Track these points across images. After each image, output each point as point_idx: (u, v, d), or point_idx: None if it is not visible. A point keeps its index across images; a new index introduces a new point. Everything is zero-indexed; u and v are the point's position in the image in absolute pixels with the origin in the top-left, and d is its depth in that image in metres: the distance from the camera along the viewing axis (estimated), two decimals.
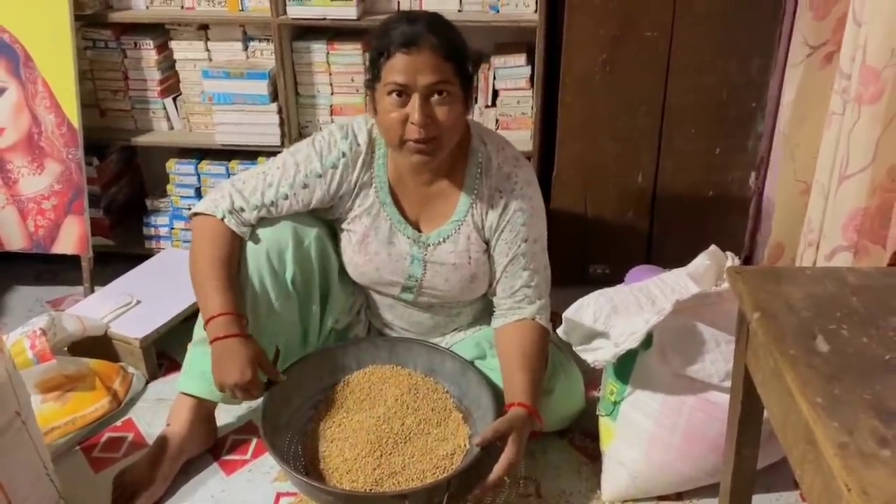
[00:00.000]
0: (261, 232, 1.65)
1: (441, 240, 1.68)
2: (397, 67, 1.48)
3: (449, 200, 1.66)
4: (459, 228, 1.67)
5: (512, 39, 2.28)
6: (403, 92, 1.49)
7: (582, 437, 1.81)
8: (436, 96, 1.50)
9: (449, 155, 1.60)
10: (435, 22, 1.52)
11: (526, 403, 1.53)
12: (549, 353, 1.70)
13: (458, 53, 1.51)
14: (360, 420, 1.64)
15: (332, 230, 1.75)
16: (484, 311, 1.85)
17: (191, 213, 1.70)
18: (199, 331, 1.67)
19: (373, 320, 1.89)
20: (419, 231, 1.69)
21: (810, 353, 1.01)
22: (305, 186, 1.64)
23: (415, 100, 1.49)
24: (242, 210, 1.63)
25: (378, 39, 1.52)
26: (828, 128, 1.64)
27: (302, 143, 1.69)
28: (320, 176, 1.64)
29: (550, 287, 1.74)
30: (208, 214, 1.63)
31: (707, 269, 1.63)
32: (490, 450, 1.49)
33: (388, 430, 1.60)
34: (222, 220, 1.62)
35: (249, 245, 1.64)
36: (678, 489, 1.65)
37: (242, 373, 1.52)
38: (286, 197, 1.64)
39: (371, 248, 1.69)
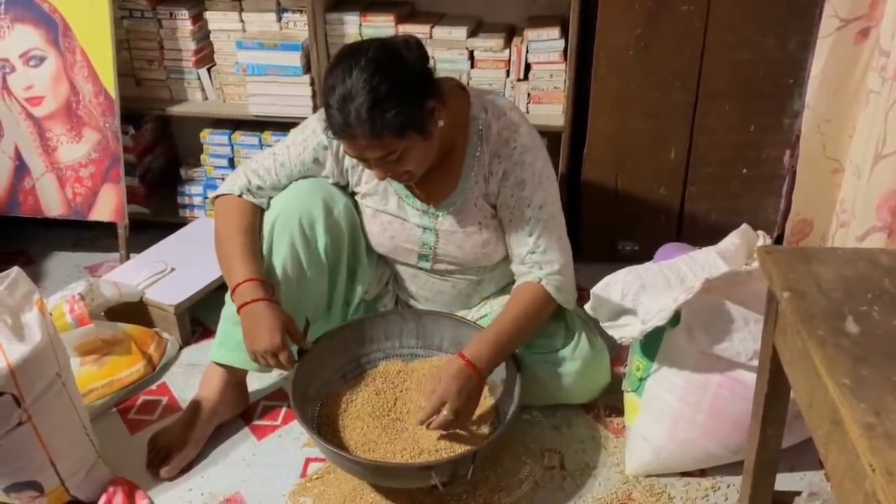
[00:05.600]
0: (291, 205, 1.67)
1: (449, 209, 1.70)
2: (344, 145, 1.53)
3: (452, 171, 1.67)
4: (465, 196, 1.68)
5: (546, 12, 2.26)
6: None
7: (607, 412, 1.82)
8: (388, 157, 1.51)
9: (447, 130, 1.59)
10: (365, 102, 1.42)
11: (464, 354, 1.57)
12: (545, 320, 1.71)
13: (394, 125, 1.44)
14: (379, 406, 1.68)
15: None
16: (509, 282, 1.86)
17: (210, 198, 1.77)
18: (230, 306, 1.68)
19: (399, 293, 1.91)
20: (427, 203, 1.71)
21: (839, 333, 1.00)
22: (315, 161, 1.69)
23: (371, 163, 1.53)
24: (260, 188, 1.70)
25: (322, 99, 1.50)
26: (864, 106, 1.61)
27: (309, 118, 1.74)
28: (326, 147, 1.67)
29: (572, 262, 1.71)
30: (227, 194, 1.70)
31: (737, 247, 1.62)
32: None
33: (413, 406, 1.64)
34: (240, 196, 1.69)
35: (281, 218, 1.67)
36: (702, 466, 1.66)
37: (272, 337, 1.55)
38: (301, 174, 1.70)
39: (384, 218, 1.73)
